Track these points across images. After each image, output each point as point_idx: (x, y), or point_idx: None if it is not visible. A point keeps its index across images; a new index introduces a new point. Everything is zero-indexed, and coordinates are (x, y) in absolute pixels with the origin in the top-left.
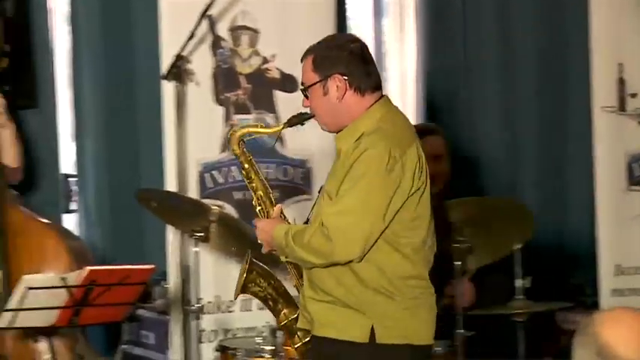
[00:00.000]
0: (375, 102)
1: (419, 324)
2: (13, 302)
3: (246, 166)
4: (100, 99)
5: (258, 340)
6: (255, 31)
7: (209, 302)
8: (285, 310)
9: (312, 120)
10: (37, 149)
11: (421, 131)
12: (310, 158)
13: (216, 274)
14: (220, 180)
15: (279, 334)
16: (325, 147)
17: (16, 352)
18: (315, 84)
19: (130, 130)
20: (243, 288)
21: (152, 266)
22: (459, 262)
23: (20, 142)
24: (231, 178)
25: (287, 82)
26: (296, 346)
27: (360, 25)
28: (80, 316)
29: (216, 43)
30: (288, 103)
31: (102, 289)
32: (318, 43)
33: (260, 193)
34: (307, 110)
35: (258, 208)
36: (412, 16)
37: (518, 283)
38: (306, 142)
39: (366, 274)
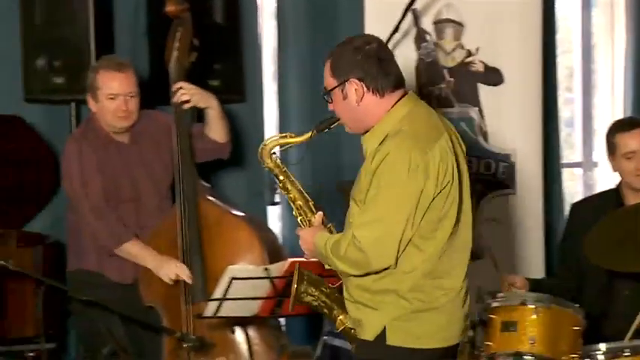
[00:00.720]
0: (398, 100)
1: (434, 327)
2: (218, 292)
3: (282, 177)
4: (304, 92)
5: None
6: (460, 25)
7: None
8: (341, 317)
9: (516, 114)
10: (244, 141)
11: (627, 125)
12: (514, 153)
13: None
14: None
15: (479, 329)
16: (530, 141)
17: (216, 341)
18: (334, 89)
19: None
20: (297, 299)
21: None
22: None
23: (227, 119)
24: None
25: (491, 75)
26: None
27: (567, 17)
28: (282, 306)
29: (420, 36)
30: (492, 97)
31: None
32: (337, 46)
33: (299, 202)
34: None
35: (299, 218)
36: (622, 8)
37: None
38: (510, 137)
39: (389, 278)
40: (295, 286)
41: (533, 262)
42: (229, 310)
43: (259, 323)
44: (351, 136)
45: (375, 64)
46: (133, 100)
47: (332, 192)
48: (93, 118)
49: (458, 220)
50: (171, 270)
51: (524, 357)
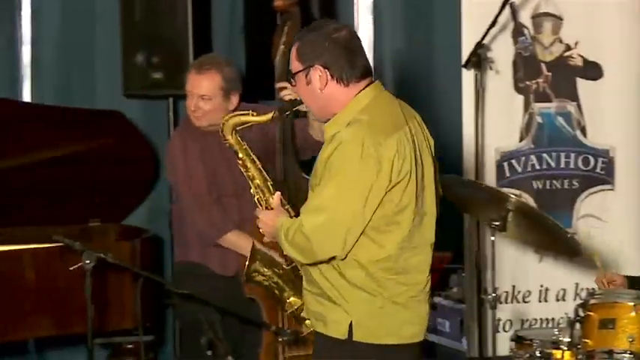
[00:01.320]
0: (362, 90)
1: (400, 323)
2: None
3: (241, 155)
4: (399, 88)
5: (555, 331)
6: (559, 18)
7: (505, 292)
8: (291, 299)
9: (615, 109)
10: None
11: None
12: (613, 148)
13: (512, 264)
14: (519, 169)
15: (578, 326)
16: (629, 136)
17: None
18: (298, 73)
19: (429, 118)
20: (248, 278)
21: (448, 254)
22: None
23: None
24: (529, 167)
25: (590, 70)
26: (304, 334)
27: None
28: None
29: (518, 30)
30: (590, 91)
31: None
32: (306, 30)
33: (257, 181)
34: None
35: (257, 197)
36: None
37: None
38: (609, 132)
39: (348, 270)
40: (247, 264)
41: (632, 260)
42: None
43: None
44: (451, 133)
45: (342, 53)
46: (207, 103)
47: None
48: None
49: (418, 215)
50: None
51: (623, 355)
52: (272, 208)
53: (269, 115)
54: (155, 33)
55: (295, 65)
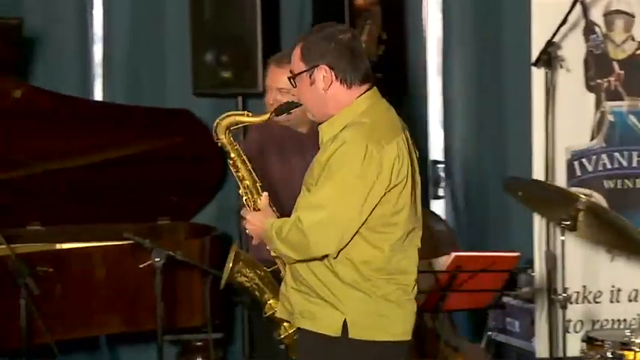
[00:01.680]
0: (362, 94)
1: (393, 320)
2: None
3: (233, 155)
4: (468, 86)
5: (627, 332)
6: (631, 16)
7: (575, 292)
8: (271, 301)
9: None
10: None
11: None
12: None
13: (583, 264)
14: (590, 168)
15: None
16: None
17: None
18: (301, 73)
19: (498, 117)
20: (230, 278)
21: (518, 254)
22: None
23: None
24: (601, 167)
25: None
26: (282, 336)
27: None
28: (445, 301)
29: (589, 28)
30: None
31: (467, 275)
32: (310, 31)
33: (247, 182)
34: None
35: (245, 198)
36: None
37: None
38: None
39: (340, 269)
40: (230, 264)
41: None
42: None
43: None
44: (520, 132)
45: (346, 55)
46: (285, 96)
47: (498, 188)
48: None
49: (412, 220)
50: None
51: None
52: (260, 210)
53: (265, 116)
54: (224, 32)
55: (299, 66)
